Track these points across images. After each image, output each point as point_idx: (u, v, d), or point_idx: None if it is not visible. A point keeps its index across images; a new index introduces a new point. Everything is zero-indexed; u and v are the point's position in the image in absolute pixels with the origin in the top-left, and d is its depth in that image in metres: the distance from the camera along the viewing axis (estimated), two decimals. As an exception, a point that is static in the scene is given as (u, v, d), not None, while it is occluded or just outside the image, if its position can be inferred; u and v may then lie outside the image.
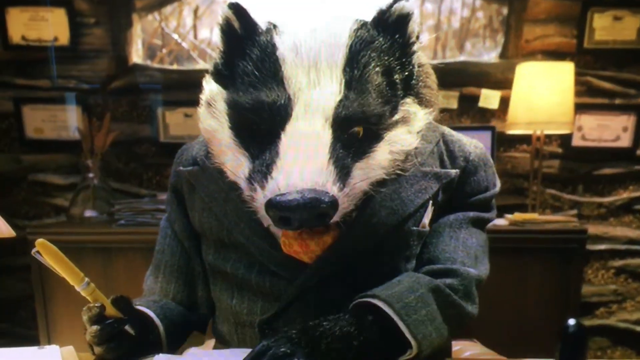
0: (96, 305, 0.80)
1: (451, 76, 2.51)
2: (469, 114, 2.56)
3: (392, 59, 0.83)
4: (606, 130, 2.53)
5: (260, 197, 0.76)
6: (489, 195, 0.96)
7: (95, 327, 0.80)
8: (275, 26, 0.83)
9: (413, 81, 0.87)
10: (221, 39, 0.86)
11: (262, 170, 0.76)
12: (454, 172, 0.92)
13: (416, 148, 0.88)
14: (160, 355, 0.84)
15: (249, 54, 0.82)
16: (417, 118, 0.86)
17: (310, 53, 0.78)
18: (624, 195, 2.60)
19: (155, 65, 2.63)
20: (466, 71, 2.53)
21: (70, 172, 2.66)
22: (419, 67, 0.89)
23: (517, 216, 2.23)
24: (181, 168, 1.00)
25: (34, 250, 0.75)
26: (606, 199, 2.61)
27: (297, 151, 0.74)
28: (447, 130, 0.98)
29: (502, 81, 2.49)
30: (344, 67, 0.78)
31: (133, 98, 2.61)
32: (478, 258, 0.94)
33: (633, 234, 2.61)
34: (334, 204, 0.72)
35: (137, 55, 2.63)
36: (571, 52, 2.50)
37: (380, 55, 0.82)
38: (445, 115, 2.55)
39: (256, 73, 0.80)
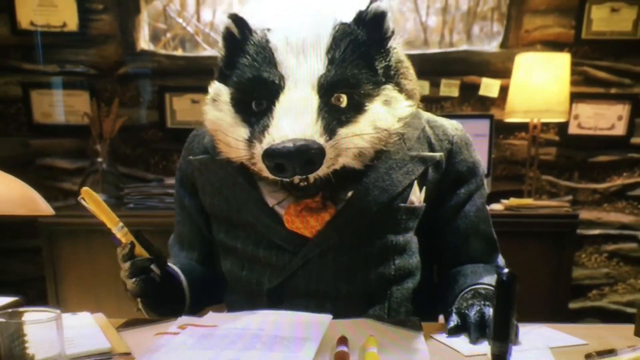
0: (127, 244, 0.94)
1: (453, 65, 2.59)
2: (469, 101, 2.64)
3: (370, 49, 0.95)
4: (602, 118, 2.62)
5: (259, 150, 0.87)
6: (482, 171, 1.12)
7: (127, 263, 0.93)
8: (269, 29, 0.96)
9: (392, 71, 0.98)
10: (223, 45, 0.99)
11: (260, 130, 0.88)
12: (438, 155, 1.04)
13: (404, 134, 1.00)
14: (183, 317, 0.95)
15: (247, 51, 0.94)
16: (399, 104, 0.97)
17: (298, 42, 0.91)
18: (618, 181, 2.69)
19: (163, 51, 2.68)
20: (468, 60, 2.60)
21: (77, 157, 2.72)
22: (398, 62, 1.00)
23: (513, 201, 2.32)
24: (191, 157, 1.11)
25: (79, 197, 0.90)
26: (601, 186, 2.70)
27: (289, 112, 0.87)
28: (430, 116, 1.11)
29: (502, 70, 2.57)
30: (327, 50, 0.91)
31: (140, 84, 2.67)
32: (496, 239, 1.14)
33: (626, 219, 2.71)
34: (321, 151, 0.84)
35: (144, 41, 2.67)
36: (569, 42, 2.58)
37: (360, 44, 0.94)
38: (447, 103, 2.64)
39: (254, 64, 0.92)
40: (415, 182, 1.02)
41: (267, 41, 0.92)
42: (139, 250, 0.95)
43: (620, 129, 2.63)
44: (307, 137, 0.83)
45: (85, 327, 0.92)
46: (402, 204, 1.01)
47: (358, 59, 0.92)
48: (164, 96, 2.65)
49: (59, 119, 2.68)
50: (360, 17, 0.96)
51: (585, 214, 2.67)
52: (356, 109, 0.92)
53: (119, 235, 0.93)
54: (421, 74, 2.43)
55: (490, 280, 0.99)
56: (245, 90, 0.92)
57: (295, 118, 0.85)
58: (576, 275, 2.72)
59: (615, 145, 2.66)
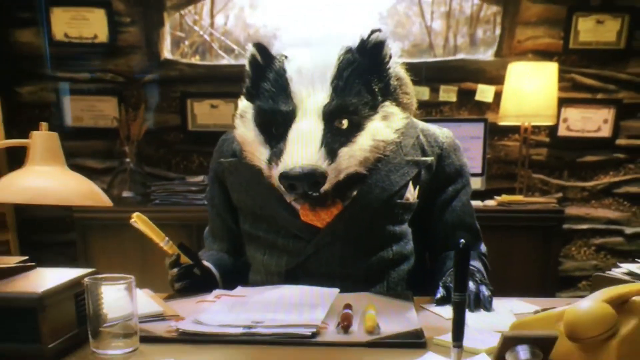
0: (174, 254, 1.14)
1: (451, 72, 2.80)
2: (466, 106, 2.84)
3: (370, 73, 1.16)
4: (589, 121, 2.81)
5: (275, 173, 1.09)
6: (468, 172, 1.32)
7: (174, 270, 1.15)
8: (286, 57, 1.17)
9: (390, 88, 1.19)
10: (249, 68, 1.22)
11: (276, 154, 1.09)
12: (429, 159, 1.24)
13: (401, 142, 1.21)
14: (217, 290, 1.17)
15: (268, 77, 1.18)
16: (396, 117, 1.19)
17: (308, 74, 1.11)
18: (605, 180, 2.88)
19: (185, 60, 2.90)
20: (465, 68, 2.81)
21: (105, 157, 2.94)
22: (397, 80, 1.22)
23: (504, 197, 2.53)
24: (222, 160, 1.32)
25: (132, 220, 1.10)
26: (588, 184, 2.89)
27: (299, 141, 1.08)
28: (423, 125, 1.30)
29: (497, 77, 2.76)
30: (332, 80, 1.11)
31: (164, 90, 2.90)
32: (479, 230, 1.33)
33: (612, 215, 2.91)
34: (324, 174, 1.06)
35: (167, 51, 2.90)
36: (558, 51, 2.78)
37: (361, 72, 1.14)
38: (446, 107, 2.84)
39: (273, 90, 1.16)
40: (410, 182, 1.22)
41: (284, 70, 1.14)
42: (183, 259, 1.15)
43: (606, 132, 2.82)
44: (313, 162, 1.05)
45: (137, 296, 1.13)
46: (398, 201, 1.20)
47: (359, 85, 1.13)
48: (185, 101, 2.87)
49: (89, 123, 2.92)
50: (363, 46, 1.17)
51: (574, 210, 2.87)
52: (356, 128, 1.13)
53: (165, 248, 1.13)
54: (422, 81, 2.68)
55: (472, 261, 1.16)
56: (265, 118, 1.15)
57: (304, 146, 1.07)
58: (567, 267, 2.92)
59: (601, 146, 2.85)
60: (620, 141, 2.86)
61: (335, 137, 1.10)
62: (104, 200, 1.18)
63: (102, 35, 2.83)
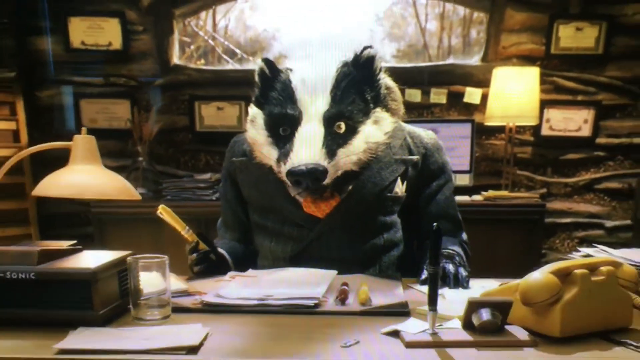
0: (193, 242, 1.29)
1: (441, 76, 2.97)
2: (455, 107, 3.01)
3: (363, 84, 1.34)
4: (570, 122, 2.98)
5: (283, 170, 1.24)
6: (450, 169, 1.48)
7: (193, 255, 1.30)
8: (291, 70, 1.34)
9: (381, 97, 1.36)
10: (258, 79, 1.40)
11: (284, 154, 1.25)
12: (415, 158, 1.40)
13: (390, 143, 1.37)
14: (231, 272, 1.32)
15: (275, 87, 1.35)
16: (386, 122, 1.35)
17: (311, 84, 1.28)
18: (586, 176, 3.05)
19: (192, 65, 3.07)
20: (454, 72, 2.98)
21: (119, 156, 3.10)
22: (387, 89, 1.39)
23: (490, 193, 2.69)
24: (234, 159, 1.48)
25: (158, 212, 1.25)
26: (571, 180, 3.06)
27: (303, 142, 1.24)
28: (410, 128, 1.46)
29: (483, 81, 2.93)
30: (330, 90, 1.28)
31: (173, 93, 3.07)
32: (460, 220, 1.48)
33: (593, 209, 3.07)
34: (325, 170, 1.22)
35: (176, 57, 3.08)
36: (541, 56, 2.95)
37: (355, 83, 1.33)
38: (436, 109, 3.01)
39: (280, 97, 1.33)
40: (399, 178, 1.37)
41: (290, 81, 1.32)
42: (201, 245, 1.30)
43: (586, 131, 2.98)
44: (315, 161, 1.21)
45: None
46: (388, 194, 1.36)
47: (353, 94, 1.31)
48: (193, 104, 3.04)
49: (103, 124, 3.09)
50: (356, 60, 1.34)
51: (558, 205, 3.04)
52: (352, 132, 1.29)
53: (186, 235, 1.27)
54: (414, 84, 2.86)
55: (452, 247, 1.34)
56: (275, 121, 1.32)
57: (307, 147, 1.24)
58: (551, 258, 3.06)
59: (582, 145, 3.01)
60: (600, 140, 3.02)
61: (334, 140, 1.26)
62: (135, 195, 1.35)
63: (116, 43, 3.00)
